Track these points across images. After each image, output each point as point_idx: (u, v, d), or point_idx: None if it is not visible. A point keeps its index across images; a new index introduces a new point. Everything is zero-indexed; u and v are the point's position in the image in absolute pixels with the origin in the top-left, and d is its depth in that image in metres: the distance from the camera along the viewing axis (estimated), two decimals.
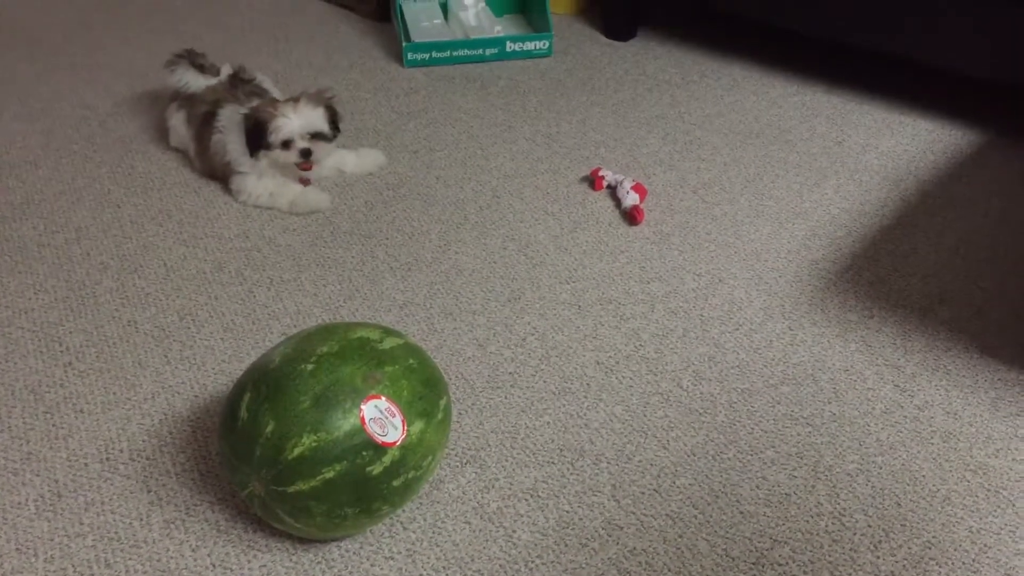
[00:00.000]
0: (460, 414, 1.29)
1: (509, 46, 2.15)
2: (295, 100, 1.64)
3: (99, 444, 1.24)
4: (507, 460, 1.22)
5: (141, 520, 1.14)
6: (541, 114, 1.96)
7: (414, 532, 1.13)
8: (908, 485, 1.19)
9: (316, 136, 1.65)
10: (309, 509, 1.03)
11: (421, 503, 1.16)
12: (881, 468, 1.21)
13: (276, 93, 1.79)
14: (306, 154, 1.64)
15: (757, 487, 1.19)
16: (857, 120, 1.92)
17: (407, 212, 1.68)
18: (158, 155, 1.82)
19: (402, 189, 1.74)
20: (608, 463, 1.22)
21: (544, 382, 1.34)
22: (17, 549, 1.11)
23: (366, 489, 1.03)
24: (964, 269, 1.55)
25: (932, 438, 1.25)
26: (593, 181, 1.74)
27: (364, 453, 1.02)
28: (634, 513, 1.16)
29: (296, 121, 1.62)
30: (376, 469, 1.03)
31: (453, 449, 1.24)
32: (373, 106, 1.98)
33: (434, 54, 2.12)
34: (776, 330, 1.42)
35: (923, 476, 1.20)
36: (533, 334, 1.42)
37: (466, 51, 2.14)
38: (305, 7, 2.37)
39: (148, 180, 1.75)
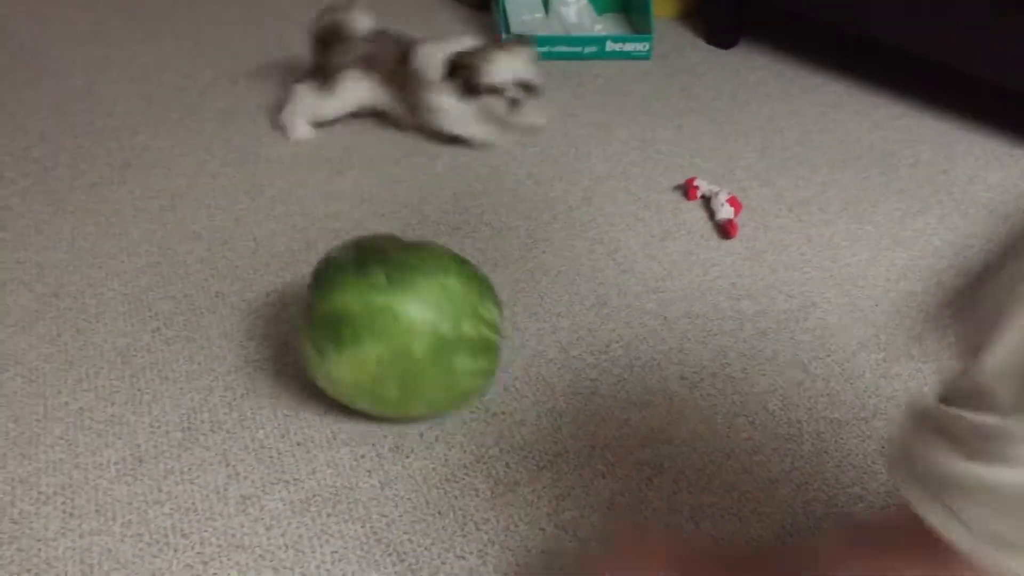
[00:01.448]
0: (539, 416, 1.27)
1: (609, 46, 2.12)
2: (503, 47, 1.67)
3: (181, 412, 1.25)
4: (584, 469, 1.20)
5: (218, 493, 1.15)
6: (637, 117, 1.93)
7: (487, 533, 1.12)
8: None
9: (523, 86, 1.66)
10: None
11: (495, 505, 1.15)
12: None
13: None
14: (515, 103, 1.66)
15: (842, 524, 1.15)
16: (965, 149, 1.85)
17: (495, 207, 1.67)
18: (254, 129, 1.83)
19: (491, 183, 1.73)
20: (688, 483, 1.19)
21: (626, 392, 1.32)
22: (96, 510, 1.13)
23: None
24: None
25: None
26: (687, 190, 1.70)
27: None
28: (712, 536, 1.13)
29: (507, 67, 1.63)
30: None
31: (530, 452, 1.22)
32: None
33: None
34: (870, 361, 1.38)
35: None
36: (618, 342, 1.40)
37: (565, 47, 2.12)
38: None
39: (243, 153, 1.77)
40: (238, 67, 2.02)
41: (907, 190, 1.74)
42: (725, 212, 1.63)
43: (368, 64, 1.75)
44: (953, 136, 1.89)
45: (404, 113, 1.77)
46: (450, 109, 1.69)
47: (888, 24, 1.88)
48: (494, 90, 1.62)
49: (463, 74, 1.63)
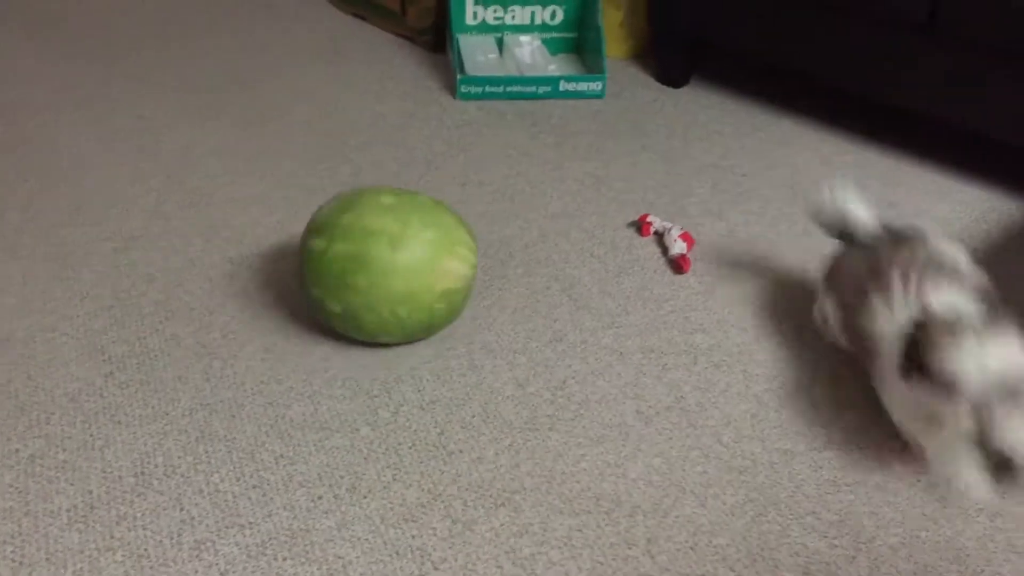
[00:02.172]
0: (496, 454, 1.28)
1: (562, 85, 2.15)
2: (990, 327, 1.11)
3: (134, 457, 1.24)
4: (542, 505, 1.21)
5: (172, 539, 1.14)
6: (591, 156, 1.95)
7: (444, 572, 1.12)
8: (952, 563, 1.16)
9: (1008, 392, 1.06)
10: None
11: (453, 544, 1.15)
12: (925, 543, 1.18)
13: (968, 272, 1.26)
14: (997, 430, 1.06)
15: (796, 553, 1.16)
16: (910, 183, 1.90)
17: None
18: (211, 169, 1.83)
19: None
20: (644, 516, 1.20)
21: (583, 428, 1.32)
22: (47, 559, 1.11)
23: None
24: None
25: (978, 516, 1.22)
26: (640, 227, 1.73)
27: None
28: (668, 570, 1.13)
29: (983, 363, 1.06)
30: None
31: (488, 490, 1.22)
32: (424, 136, 1.98)
33: (487, 88, 2.13)
34: (822, 392, 1.40)
35: (968, 555, 1.17)
36: (574, 378, 1.41)
37: (519, 87, 2.15)
38: (362, 33, 2.39)
39: (198, 194, 1.76)
40: (192, 108, 2.02)
41: None
42: (678, 247, 1.66)
43: (833, 279, 1.38)
44: (899, 171, 1.94)
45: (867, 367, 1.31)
46: (897, 396, 1.20)
47: (831, 65, 1.93)
48: (949, 390, 1.08)
49: (916, 348, 1.12)
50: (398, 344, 1.44)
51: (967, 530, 1.20)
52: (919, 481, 1.26)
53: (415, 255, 1.31)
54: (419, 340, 1.44)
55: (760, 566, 1.14)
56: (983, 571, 1.15)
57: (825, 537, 1.18)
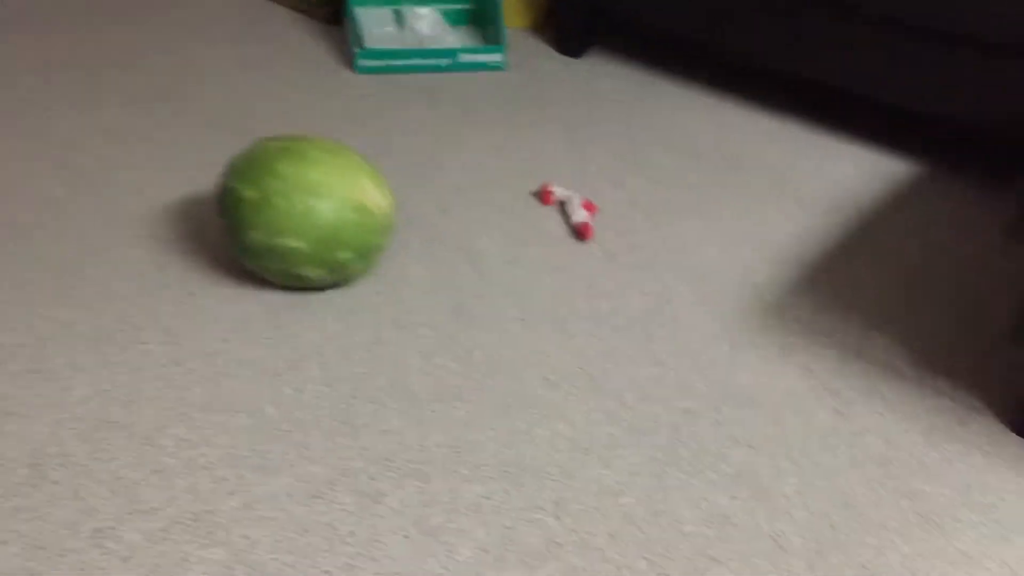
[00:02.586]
0: (403, 427, 1.28)
1: (462, 57, 2.14)
2: None
3: (28, 448, 1.20)
4: (450, 475, 1.21)
5: (70, 528, 1.11)
6: (492, 127, 1.96)
7: (352, 546, 1.12)
8: (844, 509, 1.21)
9: None
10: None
11: (361, 518, 1.15)
12: (819, 492, 1.23)
13: None
14: None
15: (697, 507, 1.19)
16: (805, 147, 1.96)
17: None
18: (102, 151, 1.77)
19: None
20: (551, 480, 1.22)
21: (489, 397, 1.33)
22: None
23: None
24: (902, 299, 1.58)
25: (868, 463, 1.27)
26: (542, 196, 1.74)
27: None
28: (575, 531, 1.16)
29: None
30: None
31: (395, 462, 1.23)
32: (322, 111, 1.96)
33: (386, 61, 2.11)
34: (720, 352, 1.44)
35: (858, 501, 1.22)
36: (479, 348, 1.41)
37: (419, 60, 2.13)
38: (256, 7, 2.34)
39: (90, 178, 1.71)
40: (79, 90, 1.95)
41: (752, 187, 1.82)
42: (580, 215, 1.67)
43: None
44: (793, 135, 2.00)
45: None
46: None
47: (724, 33, 1.97)
48: None
49: None
50: (302, 285, 1.43)
51: (858, 477, 1.25)
52: (812, 435, 1.31)
53: (344, 162, 1.41)
54: (319, 270, 1.43)
55: (663, 521, 1.17)
56: (873, 516, 1.20)
57: (725, 491, 1.22)
